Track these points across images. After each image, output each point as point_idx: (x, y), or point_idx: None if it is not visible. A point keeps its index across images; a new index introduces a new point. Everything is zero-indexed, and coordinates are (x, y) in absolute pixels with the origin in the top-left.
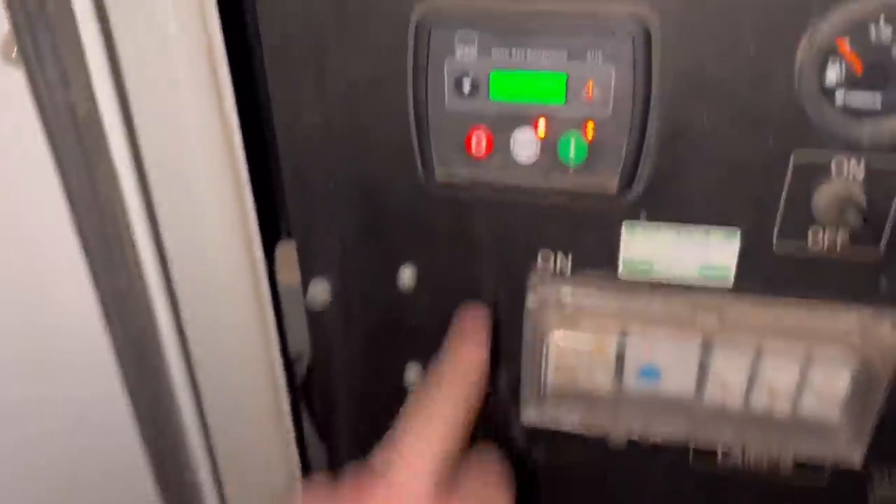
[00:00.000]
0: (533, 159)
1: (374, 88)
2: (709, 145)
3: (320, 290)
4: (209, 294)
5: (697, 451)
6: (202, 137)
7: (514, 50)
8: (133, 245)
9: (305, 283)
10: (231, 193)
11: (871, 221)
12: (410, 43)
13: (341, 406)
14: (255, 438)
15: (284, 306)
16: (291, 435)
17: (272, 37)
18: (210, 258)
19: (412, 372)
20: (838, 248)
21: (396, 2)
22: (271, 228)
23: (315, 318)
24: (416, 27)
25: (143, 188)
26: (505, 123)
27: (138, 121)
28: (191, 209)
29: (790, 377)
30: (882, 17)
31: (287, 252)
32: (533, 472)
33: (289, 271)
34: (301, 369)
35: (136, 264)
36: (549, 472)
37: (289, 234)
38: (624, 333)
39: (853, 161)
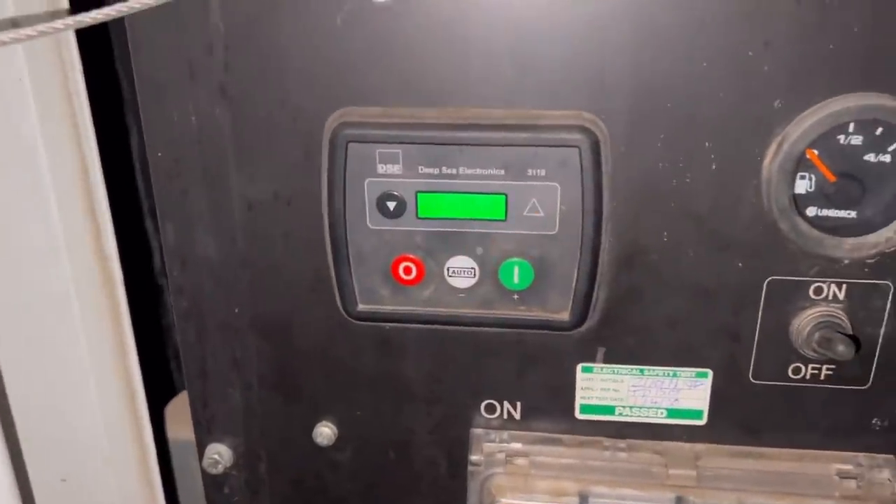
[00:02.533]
0: (471, 284)
1: (282, 209)
2: (670, 268)
3: (220, 454)
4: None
5: None
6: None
7: (444, 168)
8: None
9: (201, 444)
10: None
11: (857, 351)
12: (325, 159)
13: None
14: None
15: (176, 463)
16: None
17: (158, 150)
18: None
19: None
20: (824, 382)
21: (305, 112)
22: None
23: (213, 485)
24: (331, 141)
25: None
26: (437, 246)
27: None
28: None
29: None
30: (851, 125)
31: (180, 404)
32: None
33: (182, 424)
34: None
35: None
36: None
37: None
38: (587, 495)
39: (833, 283)
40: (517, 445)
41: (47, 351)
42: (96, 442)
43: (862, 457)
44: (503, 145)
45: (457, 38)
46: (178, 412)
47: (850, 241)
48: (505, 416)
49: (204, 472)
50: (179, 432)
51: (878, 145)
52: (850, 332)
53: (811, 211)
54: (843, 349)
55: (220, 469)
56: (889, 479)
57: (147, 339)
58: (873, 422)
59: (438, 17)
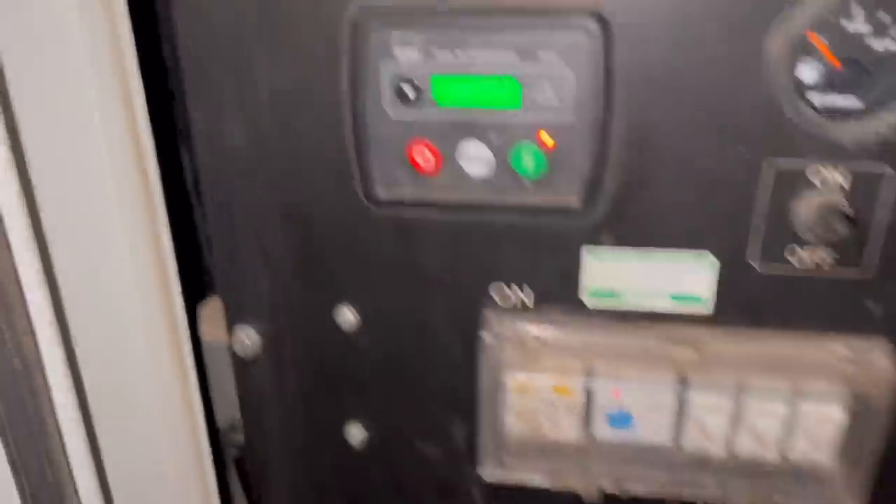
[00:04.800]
0: (486, 172)
1: (306, 98)
2: (678, 155)
3: (248, 336)
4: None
5: None
6: (116, 175)
7: (458, 52)
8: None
9: (231, 327)
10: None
11: (858, 235)
12: (345, 46)
13: (278, 472)
14: None
15: (210, 368)
16: None
17: (190, 42)
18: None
19: (356, 428)
20: (825, 267)
21: (328, 1)
22: (197, 287)
23: (243, 370)
24: (351, 28)
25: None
26: (453, 133)
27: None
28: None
29: (777, 417)
30: (855, 6)
31: (213, 308)
32: None
33: (215, 327)
34: (234, 440)
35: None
36: None
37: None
38: (591, 373)
39: (834, 168)
40: (527, 325)
41: (95, 260)
42: (134, 337)
43: (858, 341)
44: (516, 29)
45: None
46: (211, 315)
47: (853, 127)
48: (517, 300)
49: (234, 355)
50: (212, 335)
51: (883, 31)
52: (852, 217)
53: (816, 97)
54: (841, 227)
55: (248, 351)
56: (882, 362)
57: (181, 249)
58: (871, 308)
59: None
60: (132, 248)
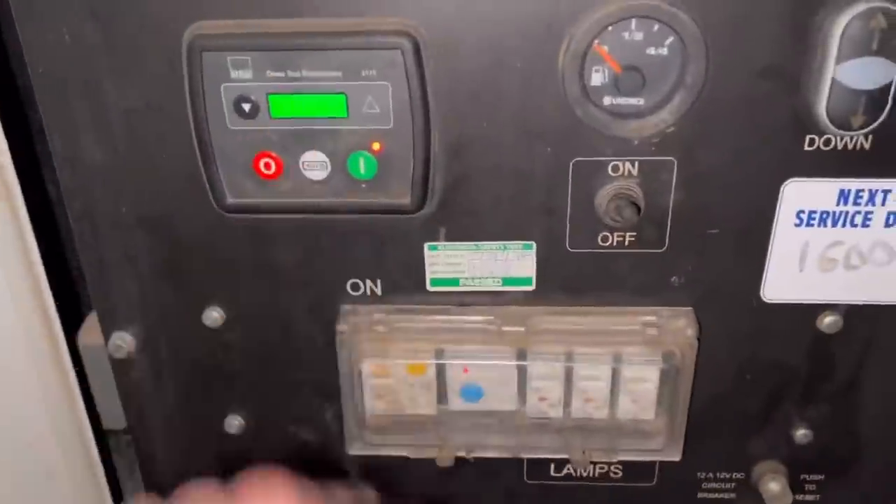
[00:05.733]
0: (324, 176)
1: (155, 115)
2: (493, 156)
3: (123, 340)
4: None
5: (531, 465)
6: None
7: (289, 72)
8: None
9: (106, 333)
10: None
11: (653, 217)
12: (184, 68)
13: (165, 463)
14: None
15: (91, 371)
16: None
17: (41, 73)
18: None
19: (234, 418)
20: (628, 247)
21: (166, 27)
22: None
23: (122, 371)
24: (188, 52)
25: None
26: (291, 144)
27: None
28: None
29: (602, 381)
30: (633, 21)
31: (93, 320)
32: None
33: (94, 335)
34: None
35: None
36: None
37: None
38: (440, 353)
39: (627, 161)
40: (378, 315)
41: None
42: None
43: (664, 310)
44: (338, 49)
45: None
46: (94, 325)
47: (634, 124)
48: (368, 292)
49: (111, 358)
50: (91, 340)
51: (657, 40)
52: (643, 203)
53: (606, 99)
54: (629, 213)
55: (124, 353)
56: (685, 327)
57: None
58: (671, 280)
59: None
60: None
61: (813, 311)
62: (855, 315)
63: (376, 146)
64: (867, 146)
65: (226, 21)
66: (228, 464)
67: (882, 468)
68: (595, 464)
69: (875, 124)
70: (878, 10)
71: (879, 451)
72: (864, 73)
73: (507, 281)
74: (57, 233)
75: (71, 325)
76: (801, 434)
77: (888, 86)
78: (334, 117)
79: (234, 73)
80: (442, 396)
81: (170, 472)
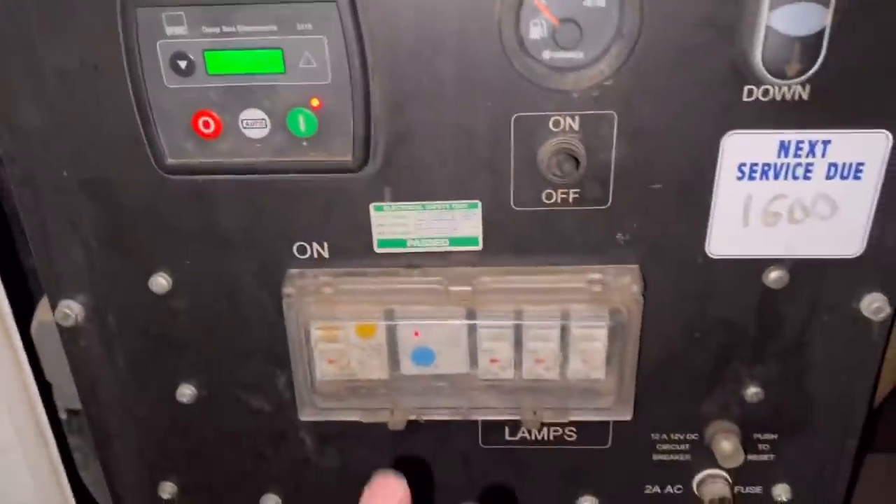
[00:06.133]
0: (264, 134)
1: (91, 76)
2: (435, 113)
3: (70, 308)
4: None
5: (485, 430)
6: None
7: (224, 27)
8: None
9: (53, 302)
10: None
11: (595, 173)
12: (119, 25)
13: (117, 434)
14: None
15: (41, 347)
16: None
17: None
18: None
19: (186, 387)
20: (571, 203)
21: None
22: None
23: (70, 341)
24: (122, 8)
25: None
26: (230, 102)
27: None
28: None
29: (552, 340)
30: None
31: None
32: (329, 470)
33: (47, 314)
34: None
35: None
36: (345, 471)
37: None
38: (389, 316)
39: (568, 116)
40: (325, 278)
41: None
42: None
43: (610, 268)
44: (272, 2)
45: None
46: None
47: (571, 76)
48: (315, 255)
49: (59, 327)
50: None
51: None
52: (584, 158)
53: (545, 53)
54: (568, 168)
55: (71, 322)
56: (630, 283)
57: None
58: (617, 237)
59: None
60: None
61: (759, 266)
62: (801, 270)
63: (315, 102)
64: (805, 96)
65: None
66: (183, 435)
67: (834, 426)
68: (548, 426)
69: (810, 72)
70: None
71: (830, 408)
72: (797, 19)
73: (453, 241)
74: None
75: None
76: (752, 392)
77: (822, 32)
78: (272, 73)
79: (169, 30)
80: (395, 363)
81: (124, 446)
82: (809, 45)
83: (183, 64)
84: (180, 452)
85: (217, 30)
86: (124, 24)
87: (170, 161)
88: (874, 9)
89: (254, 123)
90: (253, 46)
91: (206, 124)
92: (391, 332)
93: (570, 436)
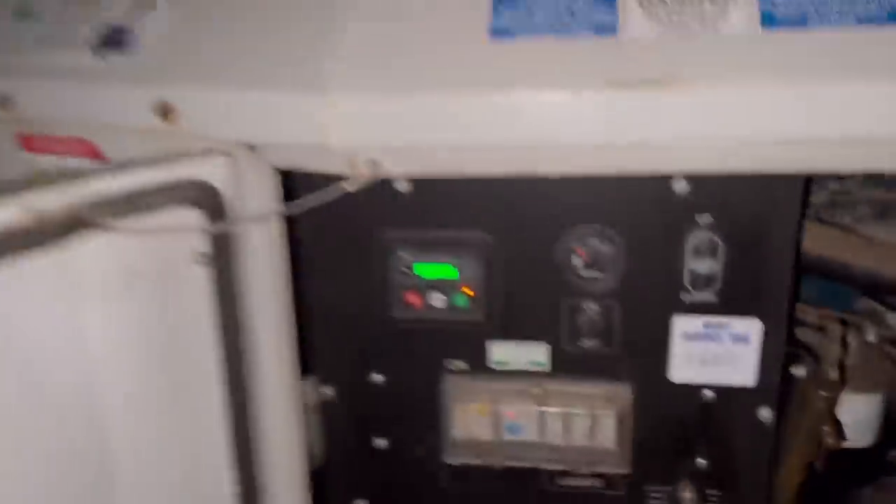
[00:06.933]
0: None
1: None
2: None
3: None
4: None
5: (542, 473)
6: None
7: None
8: None
9: None
10: None
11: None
12: None
13: None
14: None
15: None
16: None
17: None
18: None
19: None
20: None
21: None
22: None
23: None
24: None
25: None
26: None
27: None
28: None
29: (584, 421)
30: None
31: None
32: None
33: None
34: None
35: None
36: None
37: None
38: (496, 405)
39: None
40: (470, 384)
41: None
42: None
43: (615, 385)
44: None
45: None
46: None
47: None
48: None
49: None
50: None
51: None
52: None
53: None
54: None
55: None
56: (623, 393)
57: None
58: (618, 372)
59: None
60: None
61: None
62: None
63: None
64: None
65: None
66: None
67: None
68: (584, 476)
69: None
70: None
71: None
72: None
73: (532, 363)
74: None
75: None
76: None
77: None
78: None
79: None
80: (497, 430)
81: None
82: None
83: None
84: None
85: None
86: None
87: None
88: None
89: None
90: None
91: None
92: (497, 412)
93: (594, 482)
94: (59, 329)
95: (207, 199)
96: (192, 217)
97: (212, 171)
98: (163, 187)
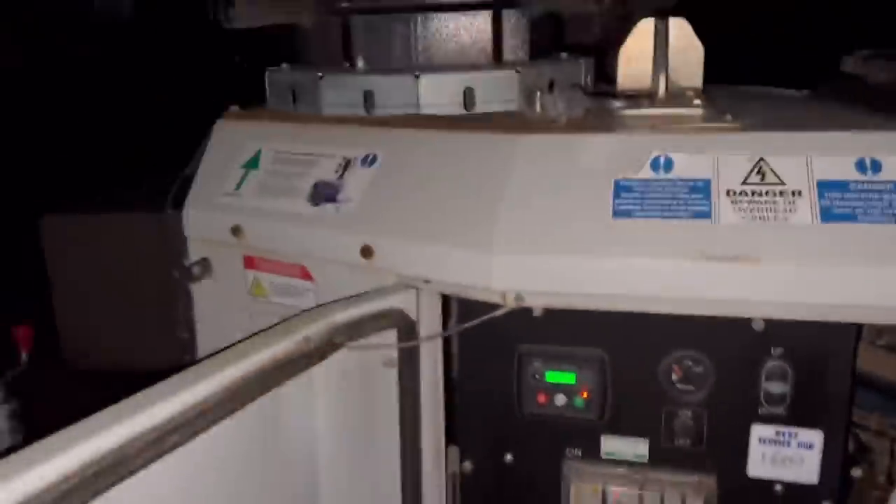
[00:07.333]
0: None
1: None
2: None
3: None
4: None
5: None
6: None
7: None
8: None
9: None
10: None
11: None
12: None
13: None
14: None
15: None
16: None
17: None
18: None
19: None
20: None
21: None
22: None
23: None
24: None
25: None
26: None
27: None
28: None
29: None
30: None
31: None
32: None
33: None
34: None
35: None
36: None
37: None
38: (606, 487)
39: None
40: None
41: None
42: None
43: (700, 475)
44: None
45: None
46: None
47: None
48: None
49: None
50: None
51: None
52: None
53: None
54: None
55: None
56: (704, 483)
57: None
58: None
59: None
60: None
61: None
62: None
63: None
64: None
65: None
66: None
67: None
68: None
69: None
70: None
71: None
72: None
73: (637, 457)
74: None
75: None
76: None
77: None
78: None
79: None
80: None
81: None
82: None
83: None
84: None
85: None
86: None
87: None
88: None
89: None
90: None
91: None
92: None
93: None
94: (301, 415)
95: (403, 323)
96: (391, 336)
97: (405, 301)
98: (376, 315)
